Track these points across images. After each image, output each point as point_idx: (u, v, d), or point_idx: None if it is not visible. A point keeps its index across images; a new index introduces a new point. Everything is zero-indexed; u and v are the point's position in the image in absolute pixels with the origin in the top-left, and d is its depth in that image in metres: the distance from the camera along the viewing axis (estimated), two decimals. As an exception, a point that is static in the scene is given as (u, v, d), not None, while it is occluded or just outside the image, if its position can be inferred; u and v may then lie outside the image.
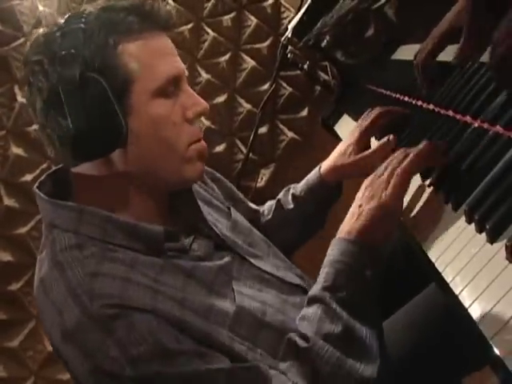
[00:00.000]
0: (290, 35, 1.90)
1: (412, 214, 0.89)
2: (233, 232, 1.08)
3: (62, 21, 0.92)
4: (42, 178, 0.98)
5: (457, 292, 0.67)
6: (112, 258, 0.86)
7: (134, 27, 0.90)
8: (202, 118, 2.43)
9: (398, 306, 1.17)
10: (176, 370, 0.80)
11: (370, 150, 1.19)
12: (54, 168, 1.01)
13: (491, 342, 0.58)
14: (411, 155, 0.87)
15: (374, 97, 1.51)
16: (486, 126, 0.81)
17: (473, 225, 0.70)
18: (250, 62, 2.46)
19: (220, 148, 2.47)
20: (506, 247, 0.61)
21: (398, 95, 1.30)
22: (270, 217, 1.31)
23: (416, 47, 1.29)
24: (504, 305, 0.59)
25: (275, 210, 1.31)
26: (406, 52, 1.43)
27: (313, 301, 0.89)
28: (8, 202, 2.19)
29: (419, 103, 1.12)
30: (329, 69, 2.03)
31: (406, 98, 1.22)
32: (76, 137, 0.87)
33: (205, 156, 0.99)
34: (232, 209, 1.16)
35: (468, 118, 0.87)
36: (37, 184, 0.97)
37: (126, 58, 0.88)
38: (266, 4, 2.46)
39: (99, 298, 0.81)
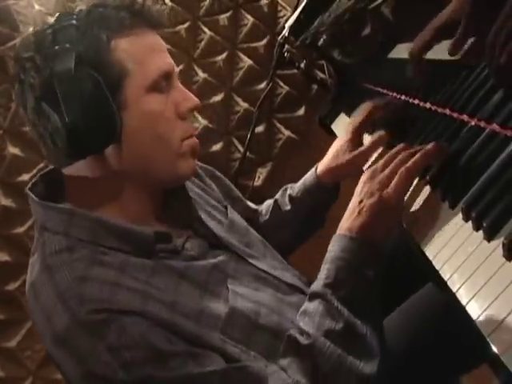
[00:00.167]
0: (286, 34, 1.90)
1: (409, 212, 0.89)
2: (229, 231, 1.07)
3: (53, 20, 0.92)
4: (35, 178, 0.98)
5: (454, 290, 0.67)
6: (101, 262, 0.86)
7: (126, 23, 0.90)
8: (199, 117, 2.43)
9: (397, 303, 1.17)
10: (169, 373, 0.80)
11: (362, 148, 1.19)
12: (47, 168, 1.01)
13: (489, 340, 0.58)
14: (417, 156, 0.86)
15: (371, 95, 1.51)
16: (482, 124, 0.81)
17: (470, 223, 0.71)
18: (246, 61, 2.46)
19: (217, 147, 2.47)
20: (503, 245, 0.62)
21: (394, 94, 1.30)
22: (267, 217, 1.31)
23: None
24: (501, 302, 0.59)
25: (272, 211, 1.31)
26: (403, 51, 1.43)
27: (314, 296, 0.88)
28: (5, 201, 2.19)
29: (416, 102, 1.13)
30: (325, 68, 2.03)
31: (403, 97, 1.22)
32: (70, 133, 0.86)
33: (197, 152, 1.00)
34: (229, 208, 1.16)
35: (465, 117, 0.87)
36: (29, 185, 0.97)
37: (119, 53, 0.89)
38: (262, 3, 2.46)
39: (87, 303, 0.81)
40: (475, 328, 0.61)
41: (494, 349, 0.57)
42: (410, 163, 0.86)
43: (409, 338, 1.09)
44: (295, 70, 2.24)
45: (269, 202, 1.34)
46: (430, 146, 0.85)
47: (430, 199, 0.85)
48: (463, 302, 0.64)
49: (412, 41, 1.34)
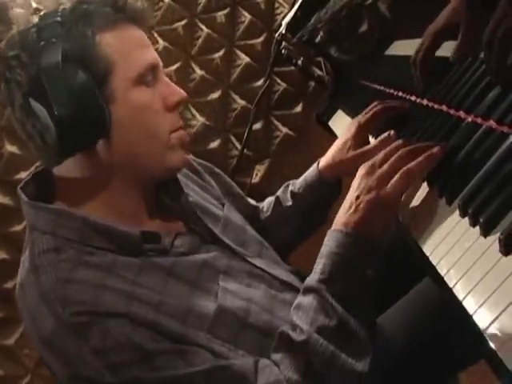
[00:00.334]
0: (284, 31, 1.90)
1: (406, 209, 0.89)
2: (225, 229, 1.07)
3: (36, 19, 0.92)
4: (27, 177, 0.98)
5: (451, 285, 0.67)
6: (88, 263, 0.86)
7: (110, 19, 0.91)
8: (197, 115, 2.43)
9: (394, 300, 1.17)
10: (155, 372, 0.80)
11: (369, 146, 1.17)
12: (40, 168, 1.00)
13: (485, 335, 0.58)
14: (422, 159, 0.84)
15: (368, 92, 1.52)
16: (479, 120, 0.81)
17: (467, 218, 0.71)
18: (244, 58, 2.46)
19: (214, 144, 2.47)
20: (500, 240, 0.62)
21: (391, 90, 1.30)
22: (268, 214, 1.30)
23: (410, 42, 1.30)
24: (498, 297, 0.59)
25: (274, 207, 1.30)
26: (400, 47, 1.43)
27: (309, 291, 0.88)
28: (3, 199, 2.19)
29: (413, 98, 1.13)
30: (323, 64, 2.03)
31: (400, 94, 1.23)
32: (59, 127, 0.86)
33: (186, 144, 1.00)
34: (226, 206, 1.15)
35: (461, 113, 0.88)
36: (22, 184, 0.97)
37: (104, 47, 0.89)
38: (259, 0, 2.46)
39: (71, 305, 0.81)
40: (472, 324, 0.61)
41: (491, 344, 0.57)
42: (413, 164, 0.84)
43: (406, 335, 1.09)
44: (292, 67, 2.24)
45: (270, 199, 1.33)
46: (435, 149, 0.84)
47: (427, 195, 0.85)
48: (460, 297, 0.64)
49: (409, 37, 1.35)
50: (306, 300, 0.87)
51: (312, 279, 0.88)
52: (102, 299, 0.83)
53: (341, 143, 1.23)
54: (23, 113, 0.89)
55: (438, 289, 0.72)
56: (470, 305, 0.62)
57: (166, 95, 0.96)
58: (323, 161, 1.25)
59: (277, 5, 2.49)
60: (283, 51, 2.07)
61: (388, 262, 1.24)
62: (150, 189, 1.01)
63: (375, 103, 1.22)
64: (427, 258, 0.75)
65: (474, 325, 0.61)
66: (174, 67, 2.43)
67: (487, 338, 0.58)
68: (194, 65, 2.45)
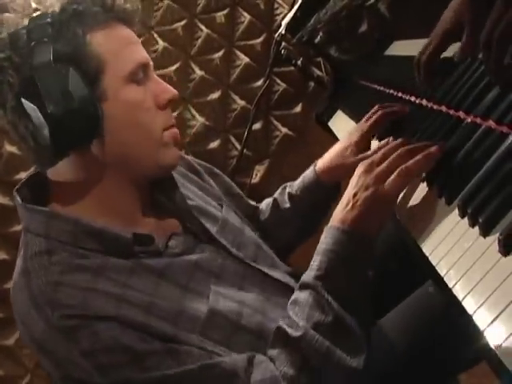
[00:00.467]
0: (283, 32, 1.90)
1: (406, 209, 0.89)
2: (222, 231, 1.07)
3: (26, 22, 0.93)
4: (24, 179, 0.99)
5: (450, 285, 0.67)
6: (79, 266, 0.87)
7: (99, 18, 0.92)
8: (196, 115, 2.43)
9: (395, 302, 1.17)
10: (145, 373, 0.81)
11: (370, 152, 1.13)
12: (35, 170, 1.01)
13: (485, 335, 0.58)
14: (420, 157, 0.84)
15: (368, 93, 1.52)
16: (478, 120, 0.82)
17: (466, 219, 0.71)
18: (243, 59, 2.46)
19: (214, 144, 2.47)
20: (499, 241, 0.62)
21: (391, 91, 1.30)
22: (266, 216, 1.30)
23: (409, 43, 1.30)
24: (497, 297, 0.59)
25: (272, 209, 1.30)
26: (400, 48, 1.43)
27: (305, 287, 0.88)
28: (2, 200, 2.19)
29: (412, 99, 1.13)
30: (322, 65, 2.03)
31: (400, 94, 1.23)
32: (52, 125, 0.86)
33: (179, 141, 1.01)
34: (224, 207, 1.15)
35: (461, 113, 0.88)
36: (18, 185, 0.97)
37: (95, 46, 0.90)
38: (259, 0, 2.46)
39: (60, 309, 0.82)
40: (472, 323, 0.61)
41: (491, 344, 0.57)
42: (411, 163, 0.84)
43: (407, 337, 1.09)
44: (292, 68, 2.24)
45: (268, 201, 1.33)
46: (433, 148, 0.84)
47: (427, 195, 0.85)
48: (459, 297, 0.64)
49: (408, 37, 1.36)
50: (303, 296, 0.88)
51: (308, 275, 0.89)
52: (92, 302, 0.83)
53: (341, 148, 1.23)
54: (15, 114, 0.89)
55: (438, 290, 0.73)
56: (469, 305, 0.63)
57: (157, 93, 0.97)
58: (321, 163, 1.25)
59: (276, 5, 2.49)
60: (283, 51, 2.07)
61: (388, 264, 1.24)
62: (145, 188, 1.02)
63: (376, 108, 1.21)
64: (427, 258, 0.75)
65: (474, 325, 0.61)
66: (173, 67, 2.43)
67: (487, 338, 0.58)
68: (193, 65, 2.45)
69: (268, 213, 1.30)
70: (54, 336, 0.82)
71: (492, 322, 0.58)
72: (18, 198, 0.95)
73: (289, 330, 0.85)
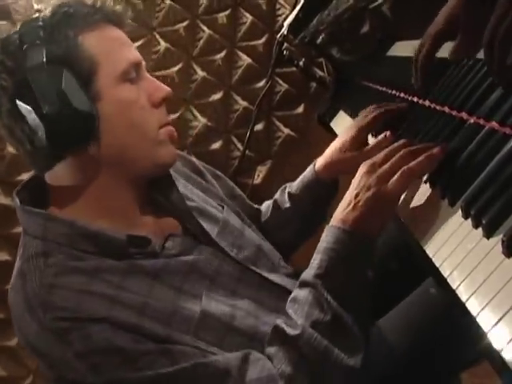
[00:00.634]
0: (285, 32, 1.90)
1: (409, 210, 0.89)
2: (222, 232, 1.07)
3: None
4: (24, 182, 1.00)
5: (454, 286, 0.67)
6: (74, 268, 0.88)
7: (90, 20, 0.93)
8: (198, 116, 2.43)
9: (394, 302, 1.17)
10: (139, 373, 0.82)
11: (367, 147, 1.18)
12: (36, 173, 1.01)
13: (489, 336, 0.58)
14: (423, 158, 0.84)
15: (370, 93, 1.52)
16: (481, 121, 0.81)
17: (469, 220, 0.71)
18: (245, 60, 2.46)
19: (216, 145, 2.47)
20: (503, 242, 0.62)
21: (393, 91, 1.30)
22: (267, 217, 1.31)
23: (411, 43, 1.29)
24: (501, 299, 0.59)
25: (272, 210, 1.31)
26: (402, 48, 1.43)
27: (305, 285, 0.89)
28: (5, 201, 2.19)
29: (415, 99, 1.13)
30: (324, 65, 2.03)
31: (402, 94, 1.23)
32: (48, 126, 0.87)
33: (175, 139, 1.02)
34: (225, 209, 1.15)
35: (464, 114, 0.88)
36: (18, 188, 0.99)
37: (87, 47, 0.91)
38: (261, 1, 2.46)
39: (53, 311, 0.83)
40: (475, 324, 0.61)
41: (495, 345, 0.57)
42: (414, 164, 0.84)
43: (409, 336, 1.10)
44: (294, 68, 2.24)
45: (268, 203, 1.34)
46: (435, 150, 0.84)
47: (430, 197, 0.85)
48: (463, 298, 0.64)
49: (411, 38, 1.35)
50: (302, 294, 0.88)
51: (308, 274, 0.89)
52: (85, 305, 0.84)
53: (339, 144, 1.24)
54: (11, 118, 0.90)
55: (440, 290, 0.73)
56: (473, 306, 0.63)
57: (150, 92, 0.98)
58: (320, 161, 1.26)
59: (278, 6, 2.49)
60: (285, 52, 2.07)
61: (389, 264, 1.24)
62: (143, 188, 1.02)
63: (374, 106, 1.23)
64: (430, 259, 0.75)
65: (478, 326, 0.61)
66: (175, 68, 2.43)
67: (491, 340, 0.58)
68: (195, 66, 2.45)
69: (269, 214, 1.31)
70: (47, 338, 0.83)
71: (496, 323, 0.58)
72: (17, 200, 0.96)
73: (287, 329, 0.86)
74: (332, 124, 1.83)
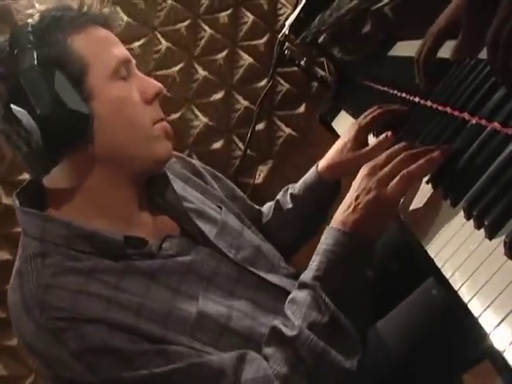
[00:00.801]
0: (287, 32, 1.90)
1: (411, 211, 0.89)
2: (221, 233, 1.08)
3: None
4: (24, 184, 1.00)
5: (456, 288, 0.67)
6: (71, 269, 0.88)
7: (77, 22, 0.95)
8: (200, 115, 2.43)
9: (395, 303, 1.17)
10: (135, 372, 0.82)
11: (368, 148, 1.18)
12: None
13: (491, 337, 0.58)
14: (423, 162, 0.84)
15: (372, 93, 1.52)
16: (483, 122, 0.81)
17: (471, 221, 0.71)
18: (246, 59, 2.46)
19: (217, 145, 2.47)
20: (505, 243, 0.62)
21: (395, 91, 1.30)
22: (269, 218, 1.31)
23: (413, 43, 1.29)
24: (503, 300, 0.59)
25: (274, 211, 1.31)
26: (403, 48, 1.43)
27: (303, 286, 0.89)
28: (6, 200, 2.19)
29: (417, 100, 1.13)
30: (326, 65, 2.03)
31: (404, 95, 1.23)
32: (43, 129, 0.88)
33: (171, 134, 1.02)
34: (224, 210, 1.15)
35: (465, 115, 0.88)
36: (18, 189, 0.99)
37: (76, 49, 0.93)
38: (262, 0, 2.46)
39: (49, 311, 0.84)
40: (477, 325, 0.61)
41: (497, 346, 0.57)
42: (414, 167, 0.84)
43: (410, 337, 1.09)
44: (295, 68, 2.24)
45: (270, 204, 1.35)
46: (436, 153, 0.84)
47: (432, 197, 0.85)
48: (465, 299, 0.64)
49: (412, 38, 1.35)
50: (301, 295, 0.89)
51: (307, 275, 0.89)
52: (81, 305, 0.85)
53: (340, 145, 1.24)
54: (6, 123, 0.91)
55: (442, 291, 0.73)
56: (475, 307, 0.62)
57: (142, 89, 0.99)
58: (322, 162, 1.27)
59: (279, 5, 2.49)
60: (286, 52, 2.07)
61: (390, 265, 1.24)
62: (140, 188, 1.03)
63: (375, 107, 1.23)
64: (432, 260, 0.75)
65: (480, 327, 0.61)
66: (176, 68, 2.43)
67: (493, 341, 0.58)
68: (196, 65, 2.45)
69: (270, 215, 1.31)
70: (44, 338, 0.84)
71: (498, 324, 0.58)
72: (17, 202, 0.96)
73: (284, 329, 0.86)
74: (333, 124, 1.83)
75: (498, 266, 0.62)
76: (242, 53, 2.47)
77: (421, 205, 0.87)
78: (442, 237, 0.76)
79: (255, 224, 1.23)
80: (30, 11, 1.02)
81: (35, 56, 0.89)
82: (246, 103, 2.47)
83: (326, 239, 0.89)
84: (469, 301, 0.64)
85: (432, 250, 0.77)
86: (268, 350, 0.87)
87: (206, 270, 0.99)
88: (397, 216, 0.91)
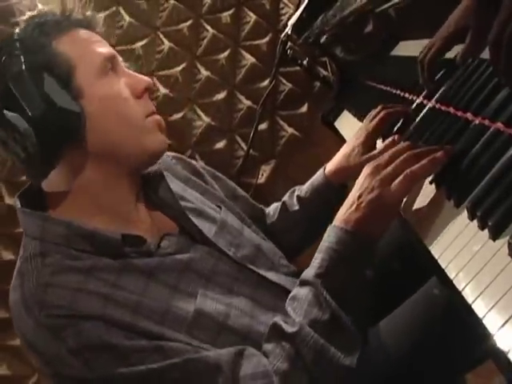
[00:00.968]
0: (289, 32, 1.90)
1: (414, 211, 0.89)
2: (220, 232, 1.08)
3: None
4: (26, 186, 1.02)
5: (460, 288, 0.67)
6: (70, 267, 0.90)
7: (61, 26, 0.97)
8: (202, 115, 2.43)
9: (395, 304, 1.17)
10: (132, 368, 0.83)
11: (375, 151, 1.17)
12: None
13: (495, 338, 0.58)
14: (426, 162, 0.84)
15: (374, 93, 1.52)
16: (486, 122, 0.81)
17: (475, 221, 0.71)
18: (249, 59, 2.46)
19: (220, 145, 2.48)
20: (509, 244, 0.62)
21: (397, 91, 1.30)
22: (275, 219, 1.32)
23: (416, 43, 1.30)
24: (507, 301, 0.59)
25: (280, 212, 1.32)
26: (406, 48, 1.43)
27: (305, 284, 0.90)
28: (9, 200, 2.20)
29: (420, 100, 1.13)
30: (328, 65, 2.03)
31: (406, 95, 1.23)
32: (37, 130, 0.90)
33: (164, 127, 1.03)
34: (223, 209, 1.16)
35: (469, 115, 0.87)
36: (20, 191, 1.01)
37: (61, 51, 0.95)
38: (264, 0, 2.46)
39: (47, 309, 0.85)
40: (481, 326, 0.61)
41: (501, 347, 0.57)
42: (417, 167, 0.85)
43: (412, 337, 1.09)
44: (298, 68, 2.24)
45: (276, 205, 1.35)
46: (439, 153, 0.84)
47: (436, 198, 0.85)
48: (469, 300, 0.64)
49: (414, 38, 1.35)
50: (302, 292, 0.89)
51: (309, 273, 0.90)
52: (79, 303, 0.86)
53: (348, 150, 1.25)
54: (1, 129, 0.93)
55: (445, 291, 0.73)
56: (479, 308, 0.62)
57: (132, 85, 1.00)
58: (330, 166, 1.27)
59: (282, 5, 2.49)
60: (288, 52, 2.07)
61: (392, 264, 1.24)
62: (137, 185, 1.04)
63: (379, 108, 1.23)
64: (436, 260, 0.75)
65: (484, 328, 0.61)
66: (179, 68, 2.43)
67: (497, 341, 0.58)
68: (199, 65, 2.45)
69: (276, 216, 1.32)
70: (43, 334, 0.85)
71: (502, 325, 0.58)
72: (18, 203, 0.98)
73: (284, 326, 0.87)
74: (336, 124, 1.83)
75: (502, 267, 0.62)
76: (244, 53, 2.47)
77: (424, 205, 0.87)
78: (446, 237, 0.76)
79: (257, 223, 1.24)
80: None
81: (23, 61, 0.91)
82: (248, 103, 2.47)
83: (329, 237, 0.90)
84: (473, 301, 0.64)
85: (436, 250, 0.77)
86: (268, 346, 0.88)
87: (204, 268, 1.00)
88: (399, 215, 0.91)
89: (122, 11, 2.40)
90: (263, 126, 2.46)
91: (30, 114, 0.89)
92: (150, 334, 0.86)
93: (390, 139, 1.09)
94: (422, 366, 1.05)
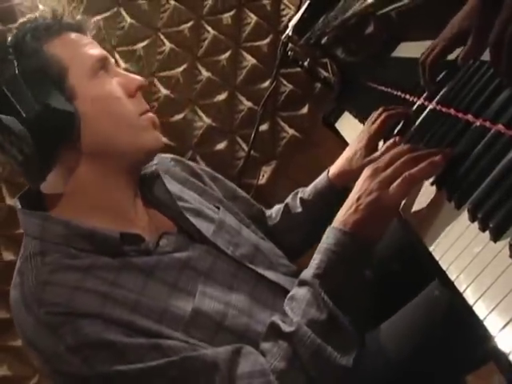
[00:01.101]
0: (290, 33, 1.91)
1: (415, 212, 0.89)
2: (219, 231, 1.09)
3: None
4: (27, 187, 1.03)
5: (461, 290, 0.67)
6: (69, 266, 0.91)
7: (52, 30, 0.99)
8: (203, 116, 2.43)
9: (396, 307, 1.17)
10: (130, 365, 0.84)
11: (376, 153, 1.17)
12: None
13: (496, 340, 0.58)
14: (425, 165, 0.84)
15: (375, 94, 1.52)
16: (487, 124, 0.81)
17: (476, 223, 0.71)
18: (250, 60, 2.46)
19: (221, 146, 2.48)
20: (510, 246, 0.62)
21: (398, 92, 1.30)
22: (277, 220, 1.33)
23: (417, 44, 1.30)
24: (508, 302, 0.59)
25: (283, 214, 1.33)
26: (407, 49, 1.43)
27: (303, 284, 0.90)
28: (10, 201, 2.20)
29: (420, 101, 1.13)
30: (329, 66, 2.03)
31: (407, 96, 1.23)
32: (32, 132, 0.91)
33: (158, 124, 1.05)
34: (221, 209, 1.17)
35: (470, 117, 0.87)
36: (21, 193, 1.02)
37: (53, 54, 0.97)
38: (265, 1, 2.47)
39: (46, 306, 0.86)
40: (482, 328, 0.61)
41: (502, 348, 0.57)
42: (416, 170, 0.85)
43: (414, 339, 1.09)
44: (299, 69, 2.24)
45: (278, 206, 1.36)
46: (438, 156, 0.84)
47: (436, 199, 0.85)
48: (470, 302, 0.64)
49: (415, 40, 1.35)
50: (301, 292, 0.90)
51: (307, 273, 0.91)
52: (78, 300, 0.87)
53: (351, 153, 1.26)
54: None
55: (446, 293, 0.73)
56: (480, 310, 0.62)
57: (125, 84, 1.02)
58: (333, 169, 1.29)
59: (283, 6, 2.49)
60: (289, 53, 2.07)
61: (392, 266, 1.24)
62: (134, 184, 1.05)
63: (380, 110, 1.24)
64: (437, 262, 0.75)
65: (485, 328, 0.61)
66: (180, 69, 2.43)
67: (498, 343, 0.58)
68: (200, 66, 2.45)
69: (279, 218, 1.33)
70: (42, 332, 0.86)
71: (503, 327, 0.58)
72: (18, 204, 1.00)
73: (282, 325, 0.87)
74: (337, 125, 1.83)
75: (503, 269, 0.62)
76: (245, 54, 2.47)
77: (425, 206, 0.87)
78: (447, 239, 0.76)
79: (256, 223, 1.25)
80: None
81: (16, 65, 0.93)
82: (249, 104, 2.47)
83: (327, 238, 0.91)
84: (474, 303, 0.64)
85: (437, 252, 0.77)
86: (265, 345, 0.89)
87: (203, 266, 1.01)
88: (399, 217, 0.91)
89: (123, 12, 2.41)
90: (264, 127, 2.46)
91: (24, 116, 0.91)
92: (149, 332, 0.87)
93: (390, 141, 1.10)
94: (423, 369, 1.05)
